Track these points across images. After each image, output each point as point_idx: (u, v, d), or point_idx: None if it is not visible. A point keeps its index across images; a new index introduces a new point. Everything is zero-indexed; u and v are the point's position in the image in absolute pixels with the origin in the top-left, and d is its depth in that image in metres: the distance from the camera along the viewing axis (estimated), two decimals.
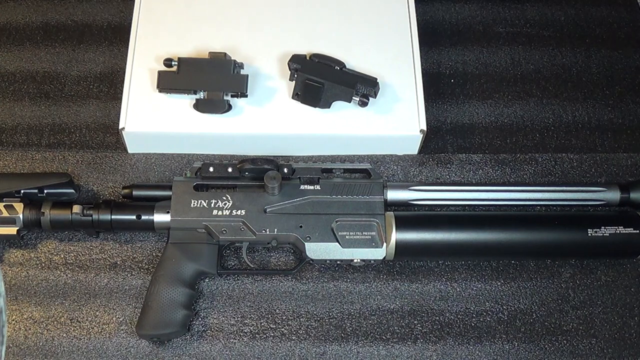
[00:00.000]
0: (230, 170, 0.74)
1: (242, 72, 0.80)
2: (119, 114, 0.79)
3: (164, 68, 0.78)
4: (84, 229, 0.74)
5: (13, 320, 0.73)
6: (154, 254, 0.76)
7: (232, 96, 0.78)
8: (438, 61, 0.90)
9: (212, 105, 0.77)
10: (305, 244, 0.71)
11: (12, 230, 0.72)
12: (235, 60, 0.78)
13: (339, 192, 0.73)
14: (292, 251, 0.77)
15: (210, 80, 0.77)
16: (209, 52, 0.79)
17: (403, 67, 0.82)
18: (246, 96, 0.78)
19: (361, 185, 0.74)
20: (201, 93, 0.77)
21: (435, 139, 0.84)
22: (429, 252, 0.74)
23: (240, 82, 0.77)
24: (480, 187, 0.77)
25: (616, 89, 0.89)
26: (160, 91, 0.77)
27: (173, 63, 0.77)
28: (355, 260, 0.72)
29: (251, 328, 0.73)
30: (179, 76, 0.77)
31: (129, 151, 0.82)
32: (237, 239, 0.72)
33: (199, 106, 0.78)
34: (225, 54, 0.78)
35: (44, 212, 0.72)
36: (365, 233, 0.72)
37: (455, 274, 0.76)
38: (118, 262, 0.76)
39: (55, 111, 0.85)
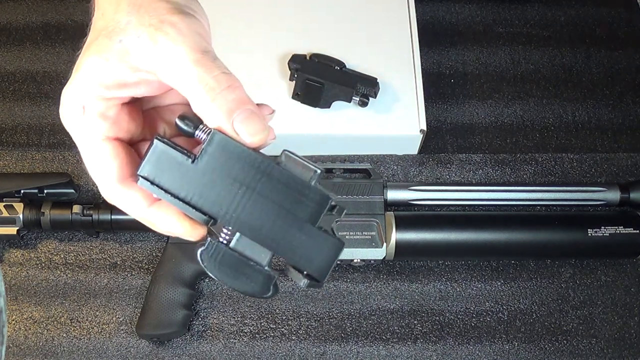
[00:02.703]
0: None
1: (338, 228, 0.43)
2: None
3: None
4: (84, 229, 0.74)
5: (13, 320, 0.73)
6: (154, 254, 0.76)
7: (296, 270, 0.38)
8: (438, 61, 0.90)
9: (237, 271, 0.37)
10: None
11: (12, 230, 0.72)
12: (330, 200, 0.37)
13: (339, 192, 0.73)
14: None
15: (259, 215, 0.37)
16: (284, 151, 0.38)
17: (403, 67, 0.82)
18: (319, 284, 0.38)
19: (361, 185, 0.74)
20: (225, 235, 0.38)
21: (435, 139, 0.84)
22: (429, 252, 0.74)
23: (322, 257, 0.37)
24: (480, 187, 0.77)
25: (616, 89, 0.89)
26: (139, 182, 0.38)
27: (198, 134, 0.38)
28: (355, 260, 0.72)
29: (251, 328, 0.73)
30: (194, 172, 0.37)
31: None
32: None
33: (208, 262, 0.37)
34: (318, 172, 0.37)
35: (44, 212, 0.72)
36: (365, 233, 0.72)
37: (455, 274, 0.76)
38: (118, 262, 0.76)
39: (55, 111, 0.84)
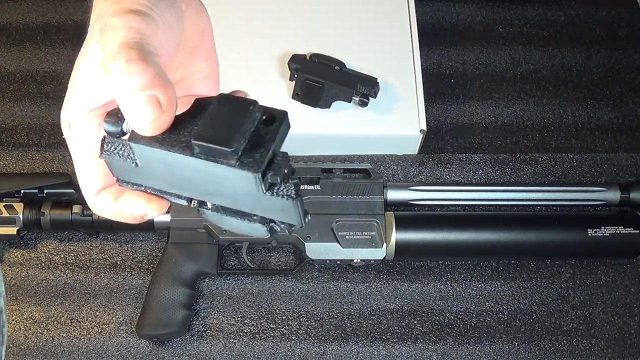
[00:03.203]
0: None
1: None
2: None
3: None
4: (84, 229, 0.74)
5: (13, 320, 0.73)
6: (154, 254, 0.76)
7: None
8: (438, 61, 0.90)
9: (239, 218, 0.37)
10: (305, 244, 0.71)
11: (12, 230, 0.72)
12: (257, 175, 0.33)
13: (339, 192, 0.73)
14: (292, 251, 0.77)
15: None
16: (192, 141, 0.34)
17: (403, 67, 0.82)
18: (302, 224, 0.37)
19: (361, 185, 0.74)
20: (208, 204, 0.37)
21: (435, 139, 0.84)
22: (429, 252, 0.74)
23: (288, 214, 0.36)
24: (480, 187, 0.77)
25: (616, 89, 0.89)
26: (121, 184, 0.39)
27: (127, 127, 0.35)
28: (355, 260, 0.72)
29: (251, 328, 0.73)
30: (146, 170, 0.37)
31: None
32: (237, 238, 0.72)
33: (213, 218, 0.38)
34: (230, 151, 0.32)
35: (44, 212, 0.72)
36: (365, 233, 0.72)
37: (455, 274, 0.76)
38: (118, 262, 0.76)
39: (55, 111, 0.85)
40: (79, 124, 0.38)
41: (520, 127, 0.86)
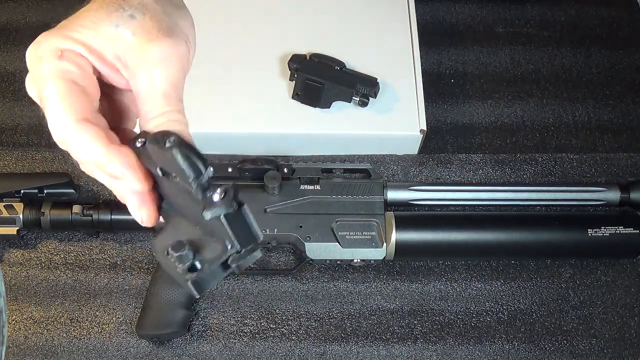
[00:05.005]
0: (230, 170, 0.74)
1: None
2: None
3: None
4: (84, 229, 0.74)
5: (13, 320, 0.73)
6: (154, 254, 0.76)
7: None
8: (438, 61, 0.90)
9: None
10: (305, 244, 0.71)
11: (12, 230, 0.72)
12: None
13: (339, 192, 0.73)
14: (292, 251, 0.77)
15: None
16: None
17: (403, 67, 0.82)
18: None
19: (361, 185, 0.74)
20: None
21: (435, 139, 0.84)
22: (429, 252, 0.74)
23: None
24: (480, 187, 0.77)
25: (616, 89, 0.89)
26: None
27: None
28: (355, 260, 0.72)
29: (251, 328, 0.73)
30: None
31: None
32: None
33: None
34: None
35: (44, 212, 0.72)
36: (365, 233, 0.72)
37: (455, 274, 0.76)
38: (118, 262, 0.76)
39: None
40: (74, 58, 0.39)
41: (520, 127, 0.86)
